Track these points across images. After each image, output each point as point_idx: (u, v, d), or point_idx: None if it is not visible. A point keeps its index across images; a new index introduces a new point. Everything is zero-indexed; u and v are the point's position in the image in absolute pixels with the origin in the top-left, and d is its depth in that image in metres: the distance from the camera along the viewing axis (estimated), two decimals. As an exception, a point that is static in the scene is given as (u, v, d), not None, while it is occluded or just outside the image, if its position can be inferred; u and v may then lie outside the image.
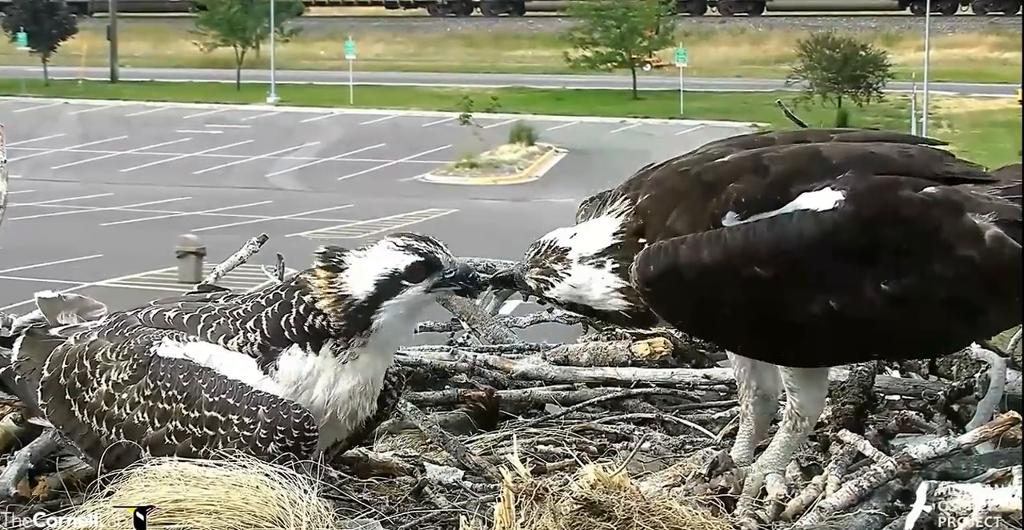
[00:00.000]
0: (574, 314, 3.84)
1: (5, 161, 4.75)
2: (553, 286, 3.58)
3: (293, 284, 3.48)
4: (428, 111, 57.45)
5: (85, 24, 72.92)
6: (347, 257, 3.46)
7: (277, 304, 3.46)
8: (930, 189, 3.38)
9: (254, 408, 3.37)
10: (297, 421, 3.36)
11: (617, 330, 5.13)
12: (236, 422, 3.37)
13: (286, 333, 3.44)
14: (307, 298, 3.43)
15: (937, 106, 53.24)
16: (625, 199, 3.56)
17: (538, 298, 3.66)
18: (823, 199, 3.31)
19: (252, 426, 3.36)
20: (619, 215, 3.54)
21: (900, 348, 3.65)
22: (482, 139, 45.21)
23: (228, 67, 67.22)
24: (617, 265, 3.50)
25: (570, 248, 3.57)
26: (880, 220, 3.31)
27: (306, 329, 3.42)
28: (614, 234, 3.54)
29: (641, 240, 3.49)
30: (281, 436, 3.35)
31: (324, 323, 3.42)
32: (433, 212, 36.00)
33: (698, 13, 77.60)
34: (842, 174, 3.36)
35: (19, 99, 61.75)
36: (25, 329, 3.92)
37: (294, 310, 3.44)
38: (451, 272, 3.47)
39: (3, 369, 3.84)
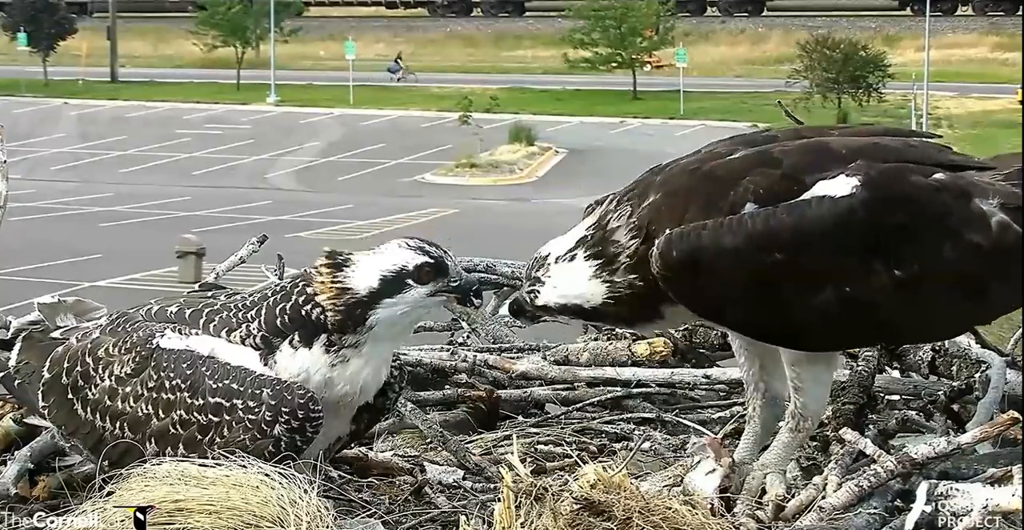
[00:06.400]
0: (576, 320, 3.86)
1: (5, 161, 4.75)
2: (539, 293, 3.61)
3: (299, 279, 3.48)
4: (428, 111, 57.44)
5: (85, 24, 72.95)
6: (354, 255, 3.46)
7: (279, 295, 3.47)
8: (938, 175, 3.47)
9: (258, 391, 3.37)
10: (302, 401, 3.36)
11: (617, 330, 5.12)
12: (241, 406, 3.37)
13: (279, 322, 3.43)
14: (309, 290, 3.43)
15: (937, 106, 53.25)
16: (626, 203, 3.59)
17: (537, 315, 3.70)
18: (840, 186, 3.39)
19: (257, 409, 3.36)
20: (606, 214, 3.58)
21: (909, 330, 3.69)
22: (482, 139, 45.20)
23: (228, 67, 67.21)
24: (588, 253, 3.54)
25: (549, 253, 3.62)
26: (895, 204, 3.40)
27: (301, 317, 3.41)
28: (586, 228, 3.58)
29: (612, 227, 3.53)
30: (286, 417, 3.35)
31: (320, 315, 3.40)
32: (433, 212, 35.99)
33: (698, 13, 77.60)
34: (853, 163, 3.44)
35: (19, 99, 61.75)
36: (24, 333, 3.90)
37: (293, 299, 3.44)
38: (456, 281, 3.48)
39: (3, 374, 3.84)
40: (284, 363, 3.44)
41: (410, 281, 3.41)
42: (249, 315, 3.48)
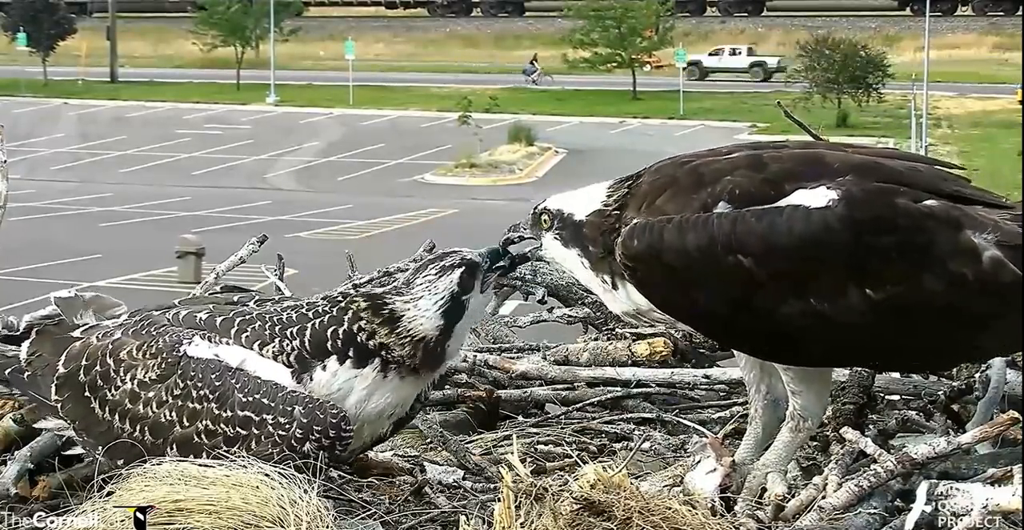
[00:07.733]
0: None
1: (5, 161, 4.74)
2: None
3: (343, 304, 3.48)
4: (427, 111, 57.48)
5: (85, 24, 73.02)
6: (394, 304, 3.47)
7: (325, 318, 3.46)
8: (930, 202, 3.32)
9: (289, 408, 3.36)
10: (334, 421, 3.36)
11: (617, 330, 5.12)
12: (271, 422, 3.36)
13: (328, 344, 3.43)
14: (363, 323, 3.43)
15: (937, 106, 53.23)
16: (625, 181, 3.58)
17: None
18: (817, 197, 3.27)
19: (287, 426, 3.35)
20: (609, 188, 3.57)
21: (887, 358, 3.58)
22: (481, 139, 45.20)
23: (228, 67, 67.26)
24: (587, 245, 3.55)
25: (547, 207, 3.72)
26: (872, 224, 3.26)
27: (357, 343, 3.42)
28: (603, 200, 3.56)
29: (615, 213, 3.51)
30: (317, 436, 3.35)
31: (378, 347, 3.43)
32: (433, 212, 35.99)
33: (698, 13, 77.72)
34: (842, 178, 3.33)
35: (19, 99, 61.76)
36: (37, 327, 3.87)
37: (345, 326, 3.44)
38: (487, 261, 3.56)
39: (10, 369, 3.80)
40: (322, 380, 3.42)
41: (464, 297, 3.49)
42: (287, 332, 3.45)
